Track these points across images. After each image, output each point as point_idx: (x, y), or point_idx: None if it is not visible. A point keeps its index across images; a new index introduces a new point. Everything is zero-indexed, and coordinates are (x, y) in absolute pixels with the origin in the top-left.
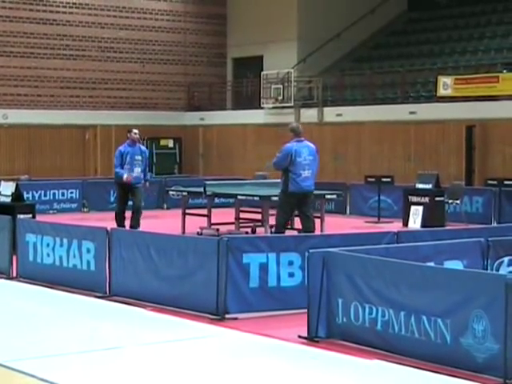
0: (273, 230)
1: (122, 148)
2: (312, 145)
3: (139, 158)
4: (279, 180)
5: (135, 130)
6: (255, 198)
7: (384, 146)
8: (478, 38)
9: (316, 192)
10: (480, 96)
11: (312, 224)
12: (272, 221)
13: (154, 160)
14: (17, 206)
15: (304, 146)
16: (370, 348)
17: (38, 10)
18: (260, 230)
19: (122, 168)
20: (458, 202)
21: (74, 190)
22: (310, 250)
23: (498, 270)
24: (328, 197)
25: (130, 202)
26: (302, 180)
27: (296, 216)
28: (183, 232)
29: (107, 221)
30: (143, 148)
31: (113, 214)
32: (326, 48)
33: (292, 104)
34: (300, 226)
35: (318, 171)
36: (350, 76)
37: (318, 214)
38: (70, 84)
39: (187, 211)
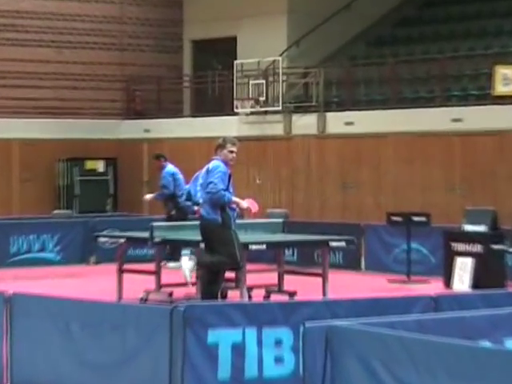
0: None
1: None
2: (212, 163)
3: None
4: (261, 220)
5: None
6: None
7: (415, 168)
8: None
9: (316, 238)
10: None
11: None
12: (250, 279)
13: (78, 191)
14: None
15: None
16: None
17: None
18: (234, 294)
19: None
20: None
21: None
22: (307, 324)
23: None
24: (333, 245)
25: None
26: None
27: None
28: (120, 298)
29: (6, 281)
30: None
31: (14, 271)
32: (329, 26)
33: (280, 108)
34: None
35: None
36: (364, 66)
37: (319, 270)
38: None
39: (125, 267)
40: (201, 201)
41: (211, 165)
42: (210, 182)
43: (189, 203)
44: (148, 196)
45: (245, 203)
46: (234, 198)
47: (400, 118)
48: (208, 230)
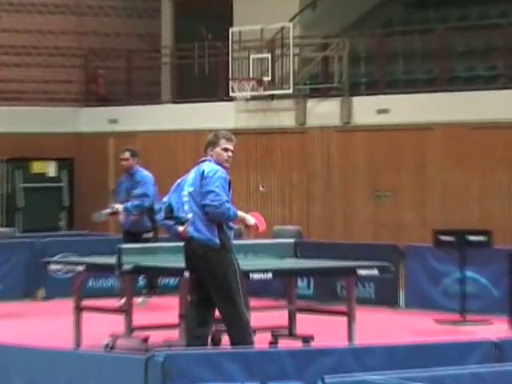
0: None
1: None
2: (206, 166)
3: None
4: (266, 240)
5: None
6: None
7: (471, 170)
8: None
9: (339, 264)
10: None
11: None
12: (252, 319)
13: (21, 202)
14: None
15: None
16: None
17: None
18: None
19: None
20: None
21: None
22: (327, 378)
23: None
24: (362, 273)
25: None
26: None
27: None
28: (78, 344)
29: None
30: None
31: None
32: None
33: (290, 91)
34: (300, 329)
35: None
36: (402, 36)
37: (343, 307)
38: None
39: (85, 303)
40: (189, 216)
41: (207, 168)
42: (211, 192)
43: (170, 222)
44: (101, 214)
45: (252, 219)
46: (240, 213)
47: (451, 103)
48: (200, 254)
